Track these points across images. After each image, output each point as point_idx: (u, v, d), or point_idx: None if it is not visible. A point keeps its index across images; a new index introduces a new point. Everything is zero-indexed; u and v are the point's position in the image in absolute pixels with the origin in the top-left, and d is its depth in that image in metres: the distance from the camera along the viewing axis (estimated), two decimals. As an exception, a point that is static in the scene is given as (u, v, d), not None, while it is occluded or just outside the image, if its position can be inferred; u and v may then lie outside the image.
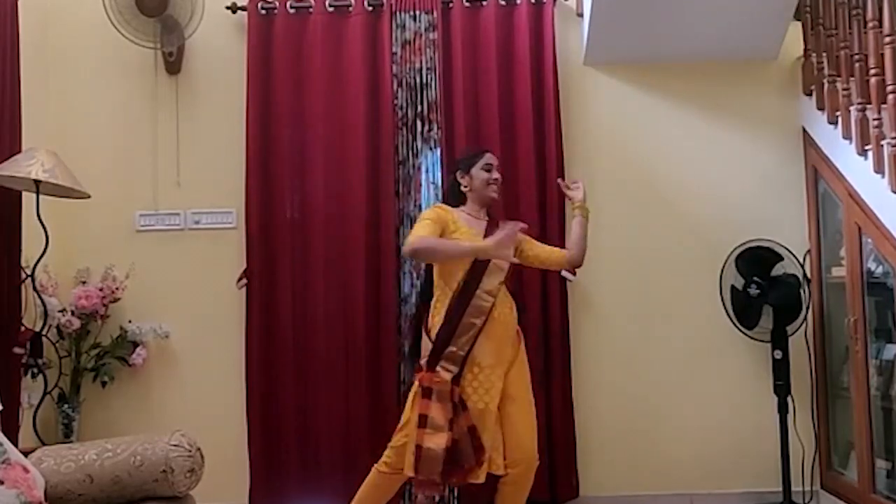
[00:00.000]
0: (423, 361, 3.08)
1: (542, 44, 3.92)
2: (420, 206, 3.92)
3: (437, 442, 2.94)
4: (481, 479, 3.01)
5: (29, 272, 3.47)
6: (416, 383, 3.08)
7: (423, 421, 2.99)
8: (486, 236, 3.12)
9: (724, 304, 3.78)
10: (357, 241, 3.85)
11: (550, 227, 3.84)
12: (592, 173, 4.00)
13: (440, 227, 3.09)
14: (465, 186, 3.24)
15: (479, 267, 3.08)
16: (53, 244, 3.48)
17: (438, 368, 3.03)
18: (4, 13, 3.35)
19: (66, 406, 3.70)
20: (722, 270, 3.79)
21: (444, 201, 3.32)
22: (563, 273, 3.85)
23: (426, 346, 3.11)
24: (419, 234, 3.03)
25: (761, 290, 3.72)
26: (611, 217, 3.99)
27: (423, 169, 3.94)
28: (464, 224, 3.15)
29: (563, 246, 3.76)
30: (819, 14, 3.87)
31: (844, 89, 3.60)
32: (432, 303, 3.17)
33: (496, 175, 3.24)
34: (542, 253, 3.29)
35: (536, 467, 3.13)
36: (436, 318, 3.11)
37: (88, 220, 3.91)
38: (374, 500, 3.19)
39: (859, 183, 3.49)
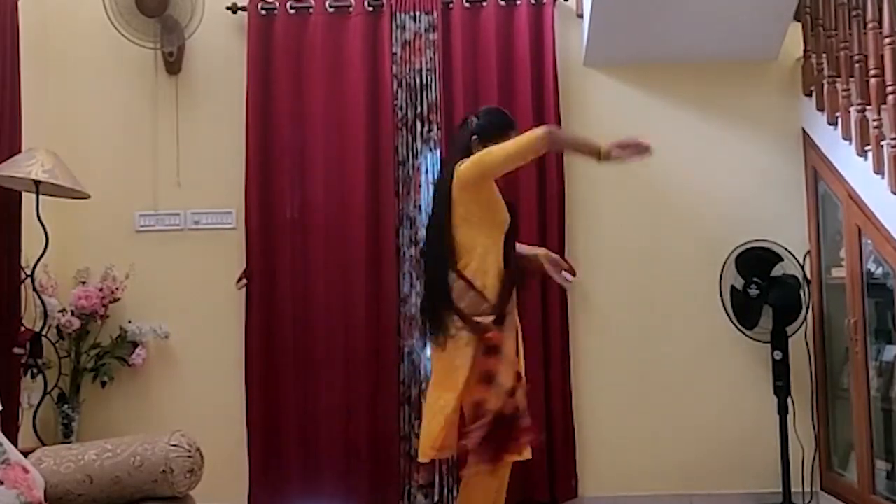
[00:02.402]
0: (483, 320, 2.77)
1: (543, 45, 3.92)
2: (420, 206, 3.92)
3: (497, 402, 2.70)
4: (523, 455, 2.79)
5: (29, 272, 3.47)
6: (469, 343, 2.77)
7: (488, 378, 2.73)
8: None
9: (723, 304, 3.78)
10: (357, 241, 3.85)
11: (550, 227, 3.85)
12: (592, 174, 4.00)
13: None
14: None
15: (511, 234, 2.96)
16: (53, 244, 3.48)
17: (504, 329, 2.80)
18: (4, 13, 3.35)
19: (65, 406, 3.70)
20: (722, 271, 3.79)
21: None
22: (564, 274, 3.84)
23: (475, 303, 2.80)
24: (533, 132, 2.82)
25: (761, 290, 3.72)
26: (611, 217, 4.00)
27: (423, 169, 3.94)
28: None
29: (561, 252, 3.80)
30: (819, 15, 3.87)
31: (844, 90, 3.60)
32: (477, 257, 2.86)
33: None
34: None
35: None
36: (486, 275, 2.83)
37: (88, 220, 3.91)
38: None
39: (859, 184, 3.49)
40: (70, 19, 4.02)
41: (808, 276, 3.86)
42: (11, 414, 3.16)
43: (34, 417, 3.50)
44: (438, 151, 3.90)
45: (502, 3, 3.94)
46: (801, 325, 3.77)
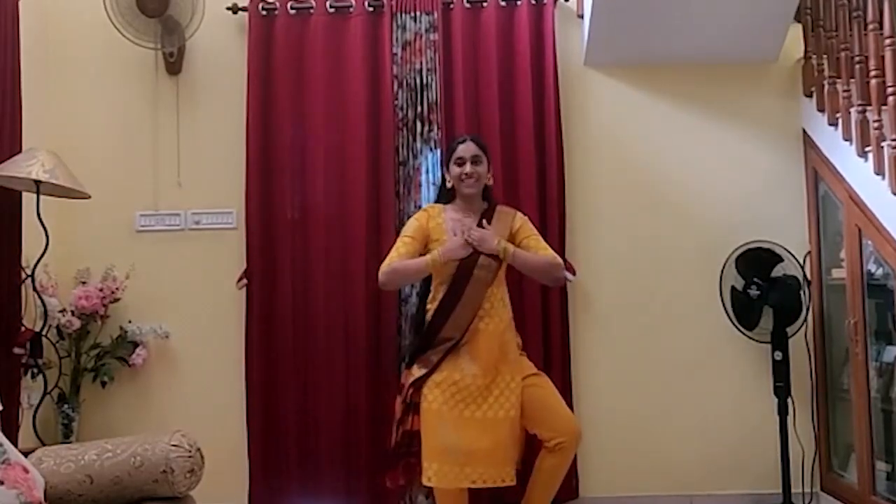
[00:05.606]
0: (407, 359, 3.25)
1: (543, 45, 3.92)
2: (420, 206, 3.91)
3: (394, 435, 3.18)
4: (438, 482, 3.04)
5: (29, 272, 3.47)
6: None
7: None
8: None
9: (724, 304, 3.78)
10: (357, 241, 3.85)
11: (550, 227, 3.84)
12: (593, 174, 4.01)
13: (419, 241, 3.18)
14: (449, 182, 3.29)
15: (460, 278, 3.10)
16: (53, 244, 3.48)
17: (413, 367, 3.15)
18: (5, 13, 3.35)
19: (65, 406, 3.70)
20: (722, 271, 3.79)
21: (437, 199, 3.41)
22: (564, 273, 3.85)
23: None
24: (388, 260, 3.16)
25: (761, 291, 3.72)
26: (611, 218, 4.00)
27: (424, 170, 3.93)
28: (445, 234, 3.17)
29: (561, 252, 3.80)
30: (819, 16, 3.88)
31: (845, 91, 3.60)
32: (429, 298, 3.24)
33: (467, 169, 3.20)
34: (529, 249, 3.20)
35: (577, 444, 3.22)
36: (430, 316, 3.20)
37: (88, 220, 3.91)
38: None
39: (859, 184, 3.49)
40: (70, 19, 4.01)
41: (809, 276, 3.86)
42: (11, 414, 3.16)
43: (34, 417, 3.50)
44: (439, 152, 3.89)
45: (503, 3, 3.94)
46: (802, 325, 3.77)
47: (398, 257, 3.15)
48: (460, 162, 3.22)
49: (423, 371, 3.10)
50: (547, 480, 3.19)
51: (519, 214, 3.32)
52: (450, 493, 3.09)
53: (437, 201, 3.41)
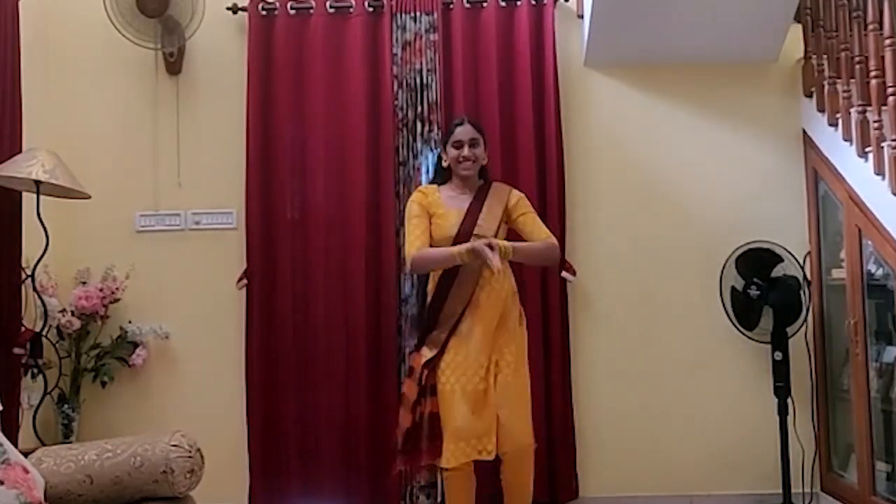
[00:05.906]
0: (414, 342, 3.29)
1: (543, 45, 3.92)
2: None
3: (405, 418, 3.10)
4: (451, 463, 3.02)
5: (29, 272, 3.47)
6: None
7: (401, 398, 3.20)
8: (469, 208, 3.20)
9: (724, 305, 3.78)
10: (357, 241, 3.85)
11: (551, 228, 3.79)
12: (592, 174, 4.01)
13: (426, 217, 3.22)
14: (445, 162, 3.32)
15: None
16: (53, 244, 3.48)
17: (423, 349, 3.16)
18: (5, 13, 3.34)
19: (65, 406, 3.70)
20: (722, 271, 3.79)
21: (432, 179, 3.44)
22: (563, 274, 3.85)
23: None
24: (411, 246, 3.16)
25: (761, 291, 3.72)
26: (611, 218, 4.00)
27: (424, 170, 3.93)
28: (442, 208, 3.22)
29: (561, 252, 3.79)
30: (819, 16, 3.88)
31: (845, 91, 3.60)
32: (428, 279, 3.26)
33: (465, 152, 3.23)
34: (525, 232, 3.24)
35: (533, 452, 3.14)
36: (431, 296, 3.22)
37: (88, 220, 3.91)
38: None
39: (860, 185, 3.49)
40: (70, 19, 4.01)
41: (809, 276, 3.86)
42: (11, 414, 3.16)
43: (34, 417, 3.50)
44: (439, 152, 3.89)
45: (503, 3, 3.94)
46: (802, 325, 3.77)
47: (417, 240, 3.17)
48: (458, 145, 3.25)
49: (434, 352, 3.11)
50: (514, 489, 3.17)
51: (515, 191, 3.34)
52: (459, 480, 3.09)
53: (433, 181, 3.43)
